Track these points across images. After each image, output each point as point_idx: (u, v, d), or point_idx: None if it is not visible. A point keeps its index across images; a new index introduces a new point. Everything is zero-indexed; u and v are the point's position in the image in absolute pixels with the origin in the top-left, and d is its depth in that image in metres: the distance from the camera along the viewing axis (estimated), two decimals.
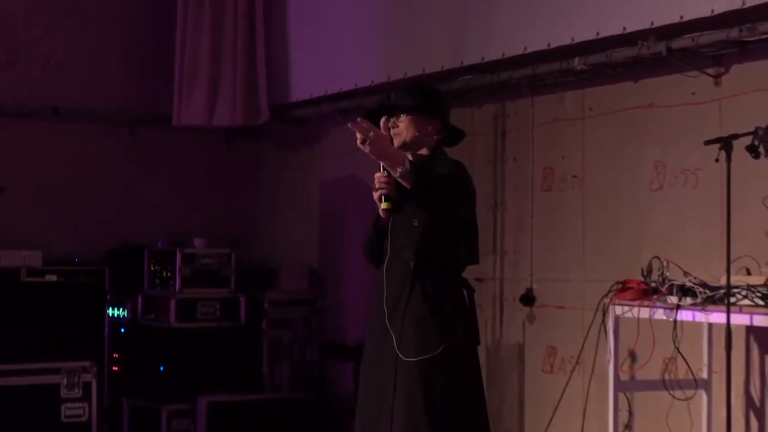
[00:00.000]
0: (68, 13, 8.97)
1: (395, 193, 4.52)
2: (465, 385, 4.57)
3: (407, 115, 4.69)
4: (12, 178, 8.75)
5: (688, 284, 5.22)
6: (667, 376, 5.67)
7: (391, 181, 4.51)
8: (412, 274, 4.59)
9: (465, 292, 4.66)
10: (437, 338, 4.51)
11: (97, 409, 7.89)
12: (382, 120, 4.58)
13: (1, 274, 7.81)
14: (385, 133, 4.57)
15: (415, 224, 4.58)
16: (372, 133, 4.37)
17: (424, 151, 4.72)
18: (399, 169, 4.40)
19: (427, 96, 4.82)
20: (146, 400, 8.30)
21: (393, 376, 4.52)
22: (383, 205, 4.55)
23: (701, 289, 5.15)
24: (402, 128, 4.69)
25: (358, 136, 4.38)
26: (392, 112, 4.74)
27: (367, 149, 4.39)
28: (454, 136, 4.84)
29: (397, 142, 4.68)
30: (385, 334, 4.61)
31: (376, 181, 4.55)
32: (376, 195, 4.57)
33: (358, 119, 4.41)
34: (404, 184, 4.43)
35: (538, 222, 6.99)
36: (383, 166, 4.52)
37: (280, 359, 8.58)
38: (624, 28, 6.01)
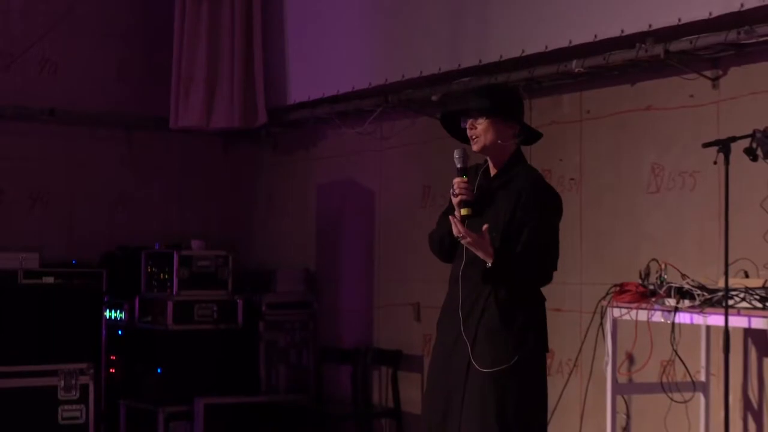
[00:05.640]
0: (65, 15, 8.96)
1: (474, 199, 4.55)
2: (535, 394, 4.59)
3: (486, 118, 4.61)
4: (9, 181, 8.75)
5: (686, 287, 5.21)
6: (665, 379, 5.67)
7: (470, 187, 4.55)
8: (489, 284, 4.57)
9: (539, 300, 4.66)
10: (511, 349, 4.50)
11: (94, 412, 7.87)
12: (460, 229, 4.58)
13: None
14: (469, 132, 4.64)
15: (494, 235, 4.52)
16: (468, 238, 4.46)
17: (505, 154, 4.65)
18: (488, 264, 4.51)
19: (506, 97, 4.73)
20: (143, 403, 8.29)
21: (463, 383, 4.53)
22: (463, 211, 4.55)
23: (699, 292, 5.14)
24: (480, 131, 4.62)
25: (454, 230, 4.49)
26: (469, 113, 4.66)
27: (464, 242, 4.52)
28: (531, 136, 4.78)
29: (476, 147, 4.64)
30: (458, 340, 4.58)
31: (455, 187, 4.55)
32: (455, 201, 4.56)
33: (452, 218, 4.51)
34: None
35: None
36: (461, 171, 4.55)
37: (277, 362, 8.57)
38: (622, 31, 6.02)
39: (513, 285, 4.55)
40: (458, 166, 4.58)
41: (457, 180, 4.55)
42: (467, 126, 4.64)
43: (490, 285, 4.54)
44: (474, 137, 4.63)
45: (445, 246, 4.72)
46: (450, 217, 4.53)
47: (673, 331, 5.26)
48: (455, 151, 4.60)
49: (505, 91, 4.97)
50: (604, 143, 6.60)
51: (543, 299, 4.68)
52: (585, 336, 5.89)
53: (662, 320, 5.30)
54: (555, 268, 4.65)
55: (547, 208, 4.61)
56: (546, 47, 6.46)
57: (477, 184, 4.66)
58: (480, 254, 4.50)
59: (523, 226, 4.54)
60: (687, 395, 5.68)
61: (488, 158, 4.69)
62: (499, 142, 4.61)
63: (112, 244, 8.97)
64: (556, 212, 4.67)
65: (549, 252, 4.59)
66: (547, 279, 4.65)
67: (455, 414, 4.53)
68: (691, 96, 6.07)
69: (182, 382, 8.26)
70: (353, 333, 8.40)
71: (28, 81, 8.89)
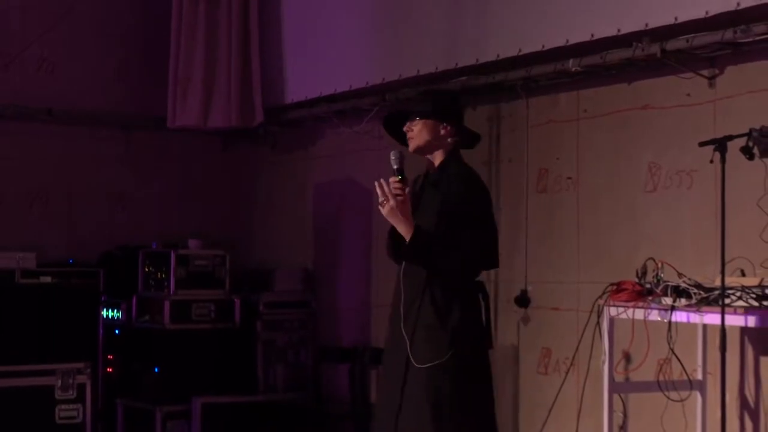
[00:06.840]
0: (63, 15, 8.96)
1: (411, 199, 4.72)
2: (473, 391, 4.68)
3: (420, 119, 4.82)
4: (8, 180, 8.75)
5: (683, 285, 5.21)
6: (661, 377, 5.67)
7: (404, 187, 4.70)
8: (425, 281, 4.69)
9: (480, 296, 4.76)
10: (446, 346, 4.61)
11: (92, 411, 7.88)
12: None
13: None
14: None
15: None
16: (391, 201, 4.61)
17: (439, 155, 4.84)
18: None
19: (440, 100, 4.97)
20: (141, 402, 8.29)
21: (403, 380, 4.65)
22: None
23: (696, 291, 5.14)
24: (415, 132, 4.84)
25: (378, 193, 4.64)
26: (407, 116, 4.89)
27: (383, 211, 4.65)
28: (470, 139, 4.97)
29: (411, 147, 4.86)
30: (400, 338, 4.70)
31: (392, 187, 4.69)
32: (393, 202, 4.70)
33: (381, 180, 4.64)
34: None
35: (533, 223, 6.99)
36: (397, 172, 4.71)
37: (275, 361, 8.57)
38: (618, 30, 6.02)
39: (447, 282, 4.66)
40: (394, 167, 4.76)
41: (391, 180, 4.70)
42: (406, 128, 4.87)
43: (425, 283, 4.66)
44: (410, 138, 4.85)
45: (391, 245, 4.83)
46: (376, 182, 4.66)
47: (669, 329, 5.26)
48: (391, 152, 4.80)
49: (441, 95, 5.26)
50: (601, 142, 6.60)
51: (486, 294, 4.78)
52: (582, 334, 5.90)
53: (659, 319, 5.30)
54: (486, 262, 4.78)
55: (466, 201, 4.70)
56: (543, 46, 6.46)
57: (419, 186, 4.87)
58: (401, 228, 4.64)
59: (444, 220, 4.66)
60: (684, 394, 5.68)
61: (428, 160, 4.87)
62: (431, 141, 4.81)
63: (112, 244, 8.96)
64: (476, 205, 4.74)
65: (467, 242, 4.64)
66: (467, 271, 4.73)
67: (395, 410, 4.65)
68: (688, 95, 6.07)
69: (180, 382, 8.26)
70: (351, 332, 8.40)
71: (26, 80, 8.88)
